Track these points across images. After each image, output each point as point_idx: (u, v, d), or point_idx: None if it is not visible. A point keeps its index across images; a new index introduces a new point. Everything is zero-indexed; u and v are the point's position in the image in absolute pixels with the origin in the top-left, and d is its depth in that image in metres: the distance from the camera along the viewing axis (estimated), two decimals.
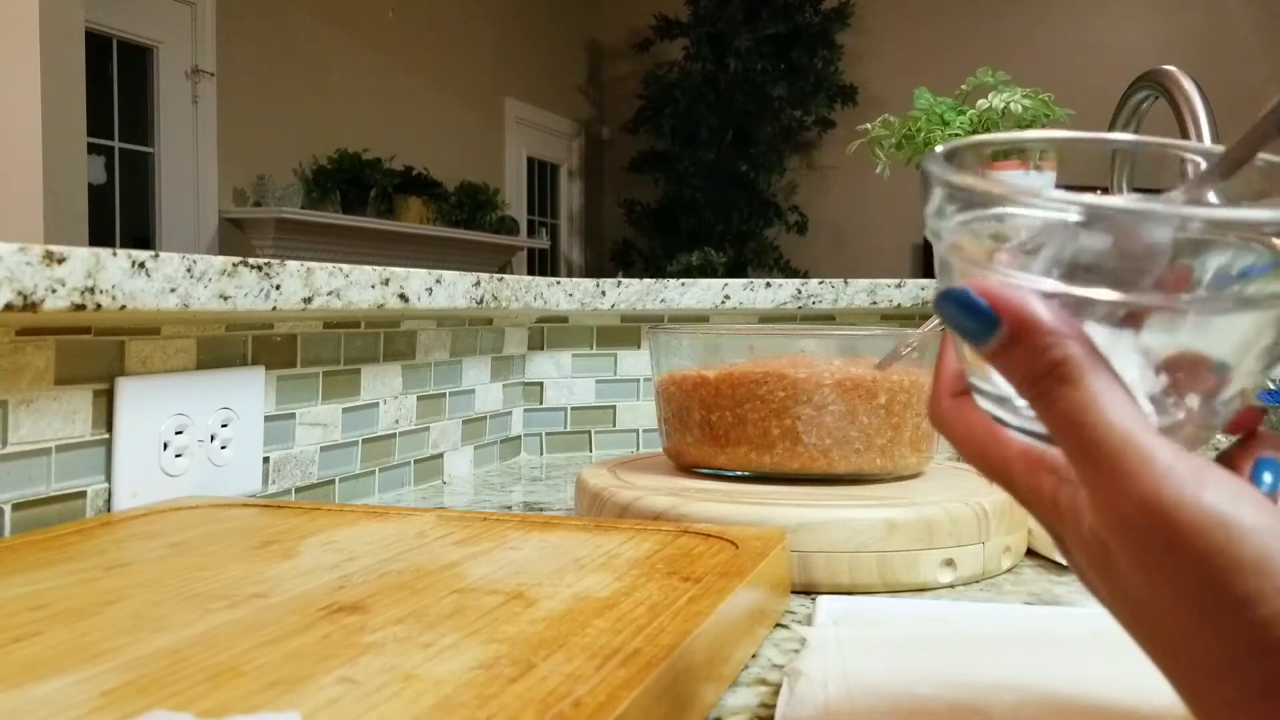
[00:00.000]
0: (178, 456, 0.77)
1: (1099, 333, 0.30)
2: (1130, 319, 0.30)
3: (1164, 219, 0.29)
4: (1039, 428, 0.32)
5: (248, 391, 0.84)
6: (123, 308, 0.65)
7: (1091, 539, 0.29)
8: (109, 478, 0.73)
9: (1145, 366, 0.30)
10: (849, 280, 1.31)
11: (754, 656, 0.53)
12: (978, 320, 0.30)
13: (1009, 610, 0.60)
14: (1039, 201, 0.30)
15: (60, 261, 0.61)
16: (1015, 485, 0.32)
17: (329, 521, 0.67)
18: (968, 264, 0.32)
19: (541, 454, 1.29)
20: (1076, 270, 0.30)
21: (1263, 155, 0.33)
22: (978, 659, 0.47)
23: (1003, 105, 1.31)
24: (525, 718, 0.35)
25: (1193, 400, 0.31)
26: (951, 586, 0.67)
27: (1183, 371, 0.31)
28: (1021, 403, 0.31)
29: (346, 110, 4.97)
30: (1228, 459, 0.33)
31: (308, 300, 0.80)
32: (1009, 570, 0.71)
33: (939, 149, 0.34)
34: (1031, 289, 0.30)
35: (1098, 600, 0.31)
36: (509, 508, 0.98)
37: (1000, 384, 0.32)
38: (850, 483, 0.78)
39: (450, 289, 0.97)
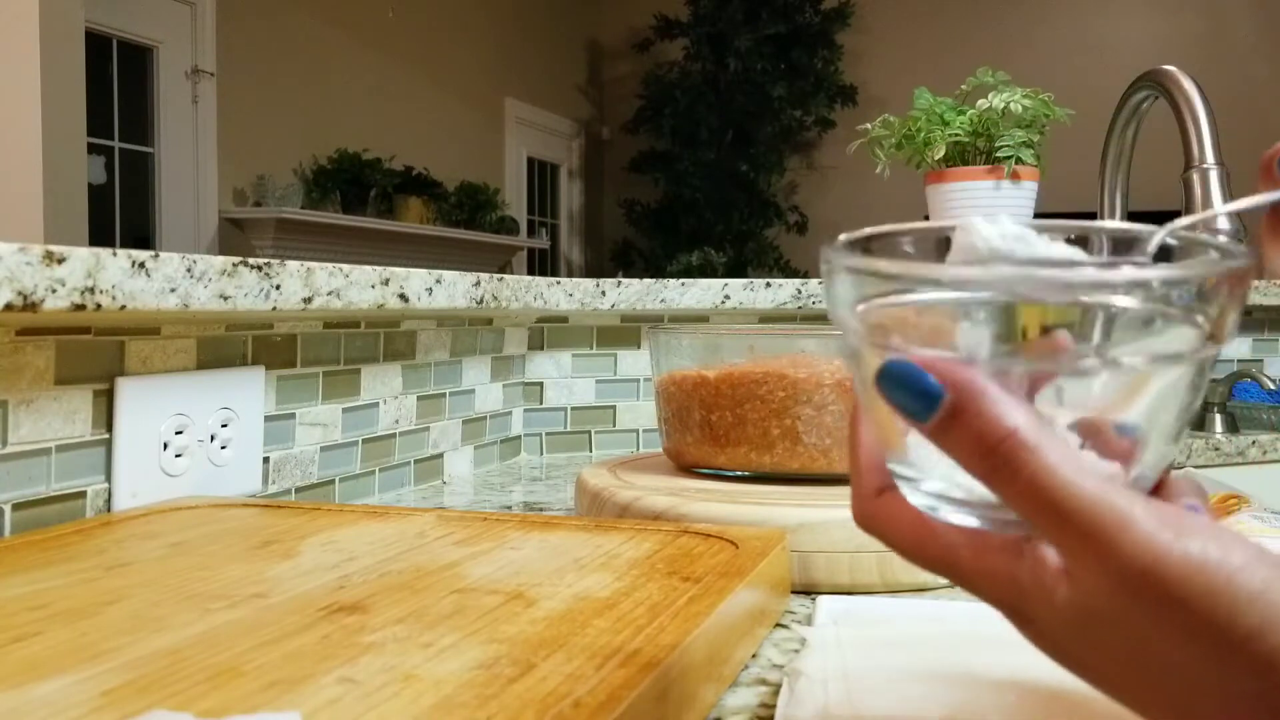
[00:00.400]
0: (178, 456, 0.77)
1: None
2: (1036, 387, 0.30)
3: (1047, 285, 0.29)
4: (976, 511, 0.31)
5: (248, 391, 0.84)
6: (123, 308, 0.65)
7: (1068, 606, 0.29)
8: (109, 478, 0.73)
9: (1068, 435, 0.30)
10: None
11: (754, 656, 0.53)
12: (920, 394, 0.29)
13: None
14: (939, 283, 0.30)
15: (60, 261, 0.61)
16: (963, 571, 0.31)
17: (329, 521, 0.67)
18: (881, 348, 0.31)
19: (541, 454, 1.29)
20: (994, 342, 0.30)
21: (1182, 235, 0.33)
22: (978, 659, 0.47)
23: (1003, 105, 1.31)
24: (525, 718, 0.35)
25: (1113, 468, 0.31)
26: (951, 586, 0.67)
27: (1095, 438, 0.30)
28: (953, 482, 0.31)
29: (346, 110, 4.97)
30: None
31: (308, 300, 0.80)
32: None
33: (841, 238, 0.34)
34: (962, 359, 0.29)
35: (1076, 670, 0.30)
36: (509, 508, 0.98)
37: (929, 468, 0.31)
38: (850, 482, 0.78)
39: (450, 289, 0.97)
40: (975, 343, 0.30)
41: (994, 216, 0.32)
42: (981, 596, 0.31)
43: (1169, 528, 0.27)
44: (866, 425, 0.35)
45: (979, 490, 0.30)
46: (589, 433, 1.30)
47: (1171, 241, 0.33)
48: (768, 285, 1.28)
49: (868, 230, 0.35)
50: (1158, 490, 0.33)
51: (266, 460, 0.87)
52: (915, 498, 0.32)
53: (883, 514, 0.33)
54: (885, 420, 0.32)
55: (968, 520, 0.31)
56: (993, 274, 0.30)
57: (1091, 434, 0.30)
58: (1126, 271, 0.30)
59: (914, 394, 0.29)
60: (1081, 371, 0.30)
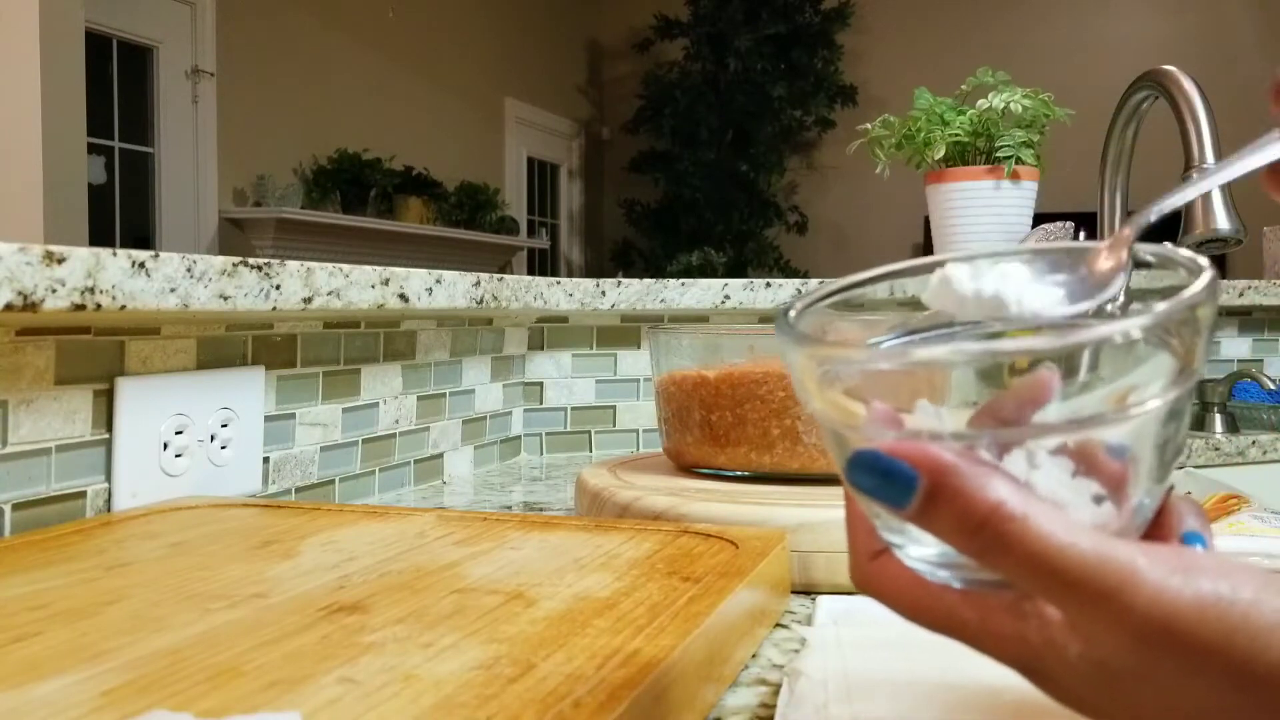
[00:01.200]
0: (178, 456, 0.77)
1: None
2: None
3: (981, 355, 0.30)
4: (967, 574, 0.30)
5: (248, 391, 0.84)
6: (123, 308, 0.65)
7: (1082, 663, 0.28)
8: (109, 478, 0.73)
9: (1063, 478, 0.30)
10: None
11: (754, 656, 0.53)
12: (894, 482, 0.29)
13: None
14: (904, 361, 0.30)
15: (60, 261, 0.61)
16: (968, 633, 0.30)
17: (329, 521, 0.67)
18: (850, 429, 0.31)
19: (541, 454, 1.29)
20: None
21: (1155, 251, 0.33)
22: (977, 659, 0.47)
23: (1003, 105, 1.31)
24: (525, 718, 0.35)
25: (1112, 500, 0.30)
26: None
27: (1085, 461, 0.30)
28: (943, 547, 0.30)
29: (346, 110, 4.97)
30: (1151, 536, 0.32)
31: (308, 300, 0.80)
32: None
33: (791, 313, 0.33)
34: (930, 435, 0.29)
35: (1096, 717, 0.29)
36: (509, 508, 0.98)
37: (916, 534, 0.31)
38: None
39: (450, 289, 0.97)
40: (939, 416, 0.30)
41: (973, 263, 0.32)
42: (992, 656, 0.30)
43: (1176, 572, 0.27)
44: None
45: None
46: (589, 433, 1.30)
47: (1149, 258, 0.33)
48: (768, 285, 1.28)
49: (817, 294, 0.35)
50: (1159, 516, 0.32)
51: (266, 460, 0.87)
52: (909, 562, 0.32)
53: (881, 577, 0.33)
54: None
55: (960, 583, 0.31)
56: (957, 352, 0.30)
57: (1082, 458, 0.30)
58: (1093, 332, 0.30)
59: (887, 483, 0.29)
60: (1047, 431, 0.30)
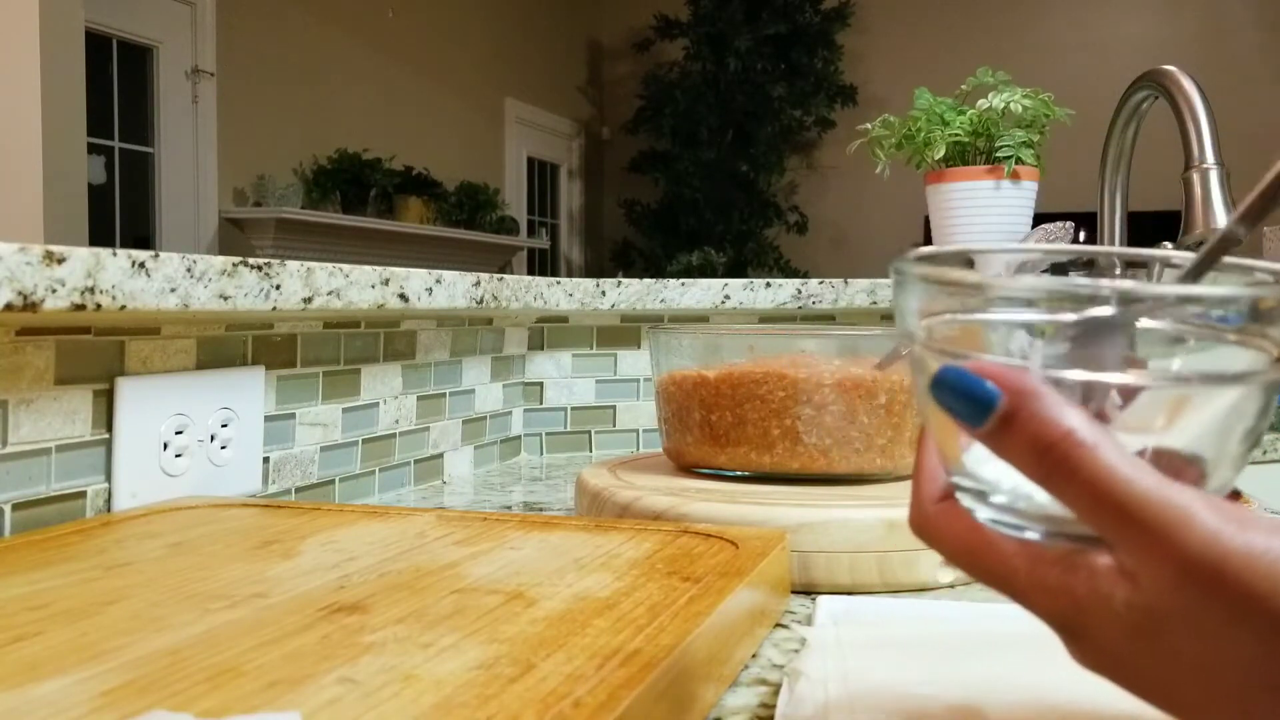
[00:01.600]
0: (178, 456, 0.77)
1: None
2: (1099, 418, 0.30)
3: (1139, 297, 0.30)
4: (1035, 524, 0.31)
5: (248, 391, 0.84)
6: (123, 308, 0.65)
7: (1128, 612, 0.28)
8: (109, 478, 0.73)
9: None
10: (849, 280, 1.31)
11: (754, 656, 0.53)
12: (975, 398, 0.29)
13: (1009, 610, 0.59)
14: (1007, 294, 0.31)
15: (60, 261, 0.61)
16: (1017, 584, 0.31)
17: (329, 521, 0.67)
18: (946, 357, 0.31)
19: (541, 454, 1.29)
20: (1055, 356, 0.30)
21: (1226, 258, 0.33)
22: (978, 659, 0.47)
23: (1003, 105, 1.31)
24: (525, 718, 0.35)
25: None
26: (951, 586, 0.67)
27: (1164, 469, 0.30)
28: (1015, 494, 0.31)
29: (346, 110, 4.97)
30: None
31: (308, 300, 0.80)
32: None
33: (919, 251, 0.34)
34: (1017, 365, 0.30)
35: (1133, 683, 0.30)
36: (509, 508, 0.98)
37: (986, 480, 0.31)
38: (850, 483, 0.78)
39: (450, 289, 0.97)
40: (1030, 350, 0.30)
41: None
42: (1035, 611, 0.31)
43: (1231, 521, 0.27)
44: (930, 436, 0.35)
45: (1038, 501, 0.30)
46: (589, 433, 1.30)
47: (1178, 261, 0.34)
48: (768, 285, 1.28)
49: (934, 249, 0.35)
50: None
51: (266, 460, 0.87)
52: (978, 511, 0.32)
53: (939, 523, 0.33)
54: (943, 432, 0.32)
55: (1027, 534, 0.31)
56: (1063, 286, 0.30)
57: (1160, 463, 0.30)
58: (1213, 289, 0.30)
59: (968, 399, 0.29)
60: (1135, 387, 0.30)
